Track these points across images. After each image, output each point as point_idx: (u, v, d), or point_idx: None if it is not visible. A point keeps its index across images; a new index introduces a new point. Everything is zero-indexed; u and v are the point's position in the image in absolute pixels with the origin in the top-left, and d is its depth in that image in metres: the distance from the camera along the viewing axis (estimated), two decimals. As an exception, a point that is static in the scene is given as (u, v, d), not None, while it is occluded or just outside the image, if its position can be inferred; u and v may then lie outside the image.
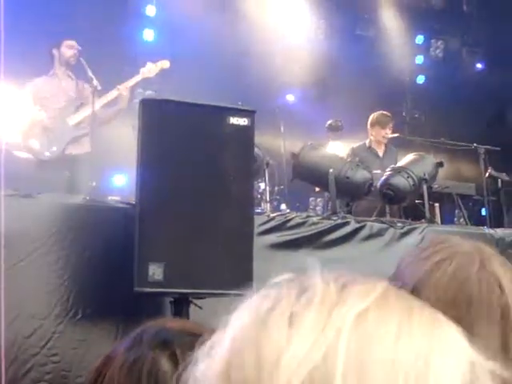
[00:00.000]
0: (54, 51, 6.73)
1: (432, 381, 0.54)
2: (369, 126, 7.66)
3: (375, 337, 0.55)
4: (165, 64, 6.86)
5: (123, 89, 6.54)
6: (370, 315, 0.56)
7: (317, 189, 7.26)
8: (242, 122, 4.31)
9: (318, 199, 9.29)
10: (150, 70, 6.71)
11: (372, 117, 7.66)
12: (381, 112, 7.64)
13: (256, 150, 5.05)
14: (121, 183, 8.39)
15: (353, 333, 0.55)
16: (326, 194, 6.94)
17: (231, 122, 4.30)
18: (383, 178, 6.25)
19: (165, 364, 1.20)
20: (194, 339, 1.20)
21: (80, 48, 6.69)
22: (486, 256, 1.29)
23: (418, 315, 0.58)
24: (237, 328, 0.60)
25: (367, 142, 7.66)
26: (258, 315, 0.59)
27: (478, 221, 7.99)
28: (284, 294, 0.59)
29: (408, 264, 1.33)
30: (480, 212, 8.83)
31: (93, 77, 6.29)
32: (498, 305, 1.20)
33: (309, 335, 0.55)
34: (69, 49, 6.67)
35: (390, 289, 0.59)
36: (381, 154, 7.66)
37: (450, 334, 0.58)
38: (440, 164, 6.48)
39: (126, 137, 7.18)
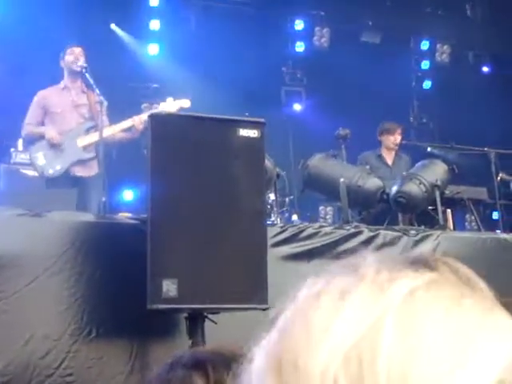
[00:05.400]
0: (61, 63, 6.68)
1: (477, 359, 0.55)
2: (378, 135, 7.66)
3: (424, 313, 0.56)
4: (185, 103, 6.47)
5: (138, 122, 6.40)
6: (420, 293, 0.57)
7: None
8: (252, 133, 4.27)
9: (328, 208, 9.24)
10: (169, 106, 6.37)
11: (380, 125, 7.67)
12: (389, 121, 7.69)
13: (266, 161, 5.01)
14: (130, 198, 8.37)
15: (402, 308, 0.56)
16: (338, 203, 6.89)
17: (241, 134, 4.26)
18: (395, 185, 6.19)
19: (198, 381, 1.31)
20: (226, 359, 1.30)
21: (84, 52, 6.57)
22: None
23: (469, 299, 0.59)
24: (288, 308, 0.62)
25: (377, 150, 7.64)
26: (310, 292, 0.60)
27: (489, 224, 7.94)
28: (338, 273, 0.61)
29: None
30: (491, 216, 8.77)
31: (99, 93, 6.24)
32: None
33: (359, 307, 0.57)
34: (70, 55, 6.59)
35: (445, 278, 0.61)
36: (390, 162, 7.62)
37: (504, 321, 0.59)
38: (452, 170, 6.42)
39: (134, 151, 7.17)
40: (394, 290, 0.58)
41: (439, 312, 0.57)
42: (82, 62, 6.51)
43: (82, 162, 6.53)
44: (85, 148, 6.51)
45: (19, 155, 7.59)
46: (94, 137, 6.42)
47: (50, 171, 6.42)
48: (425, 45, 10.76)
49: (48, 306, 4.33)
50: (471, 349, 0.56)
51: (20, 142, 7.55)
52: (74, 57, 6.53)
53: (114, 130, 6.34)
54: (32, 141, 6.64)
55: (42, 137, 6.52)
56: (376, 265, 0.61)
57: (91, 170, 6.52)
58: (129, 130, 6.43)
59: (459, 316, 0.57)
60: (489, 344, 0.56)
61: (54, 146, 6.44)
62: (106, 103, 6.30)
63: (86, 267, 4.45)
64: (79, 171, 6.52)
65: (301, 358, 0.56)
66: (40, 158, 6.45)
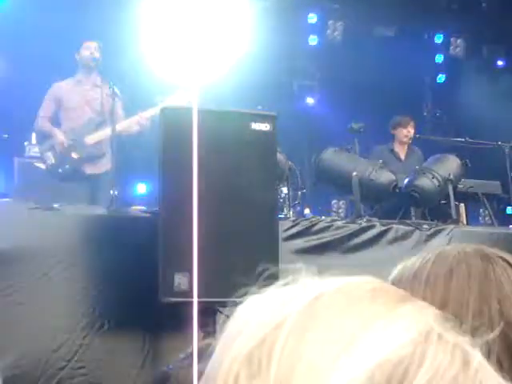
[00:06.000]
0: (77, 56, 6.71)
1: (370, 342, 0.57)
2: (391, 130, 7.65)
3: (320, 314, 0.59)
4: (194, 96, 6.45)
5: (144, 118, 6.40)
6: (325, 296, 0.60)
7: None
8: (264, 127, 4.27)
9: (341, 202, 9.22)
10: (178, 99, 6.23)
11: (393, 119, 7.66)
12: (401, 116, 7.68)
13: (278, 154, 5.01)
14: (143, 191, 8.38)
15: (303, 311, 0.59)
16: (350, 196, 6.87)
17: (253, 127, 4.26)
18: (408, 179, 6.17)
19: None
20: None
21: (100, 47, 6.59)
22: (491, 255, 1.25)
23: (377, 296, 0.60)
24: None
25: (390, 144, 7.62)
26: (248, 300, 0.65)
27: (503, 219, 7.89)
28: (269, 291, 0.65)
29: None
30: (505, 210, 8.72)
31: (112, 86, 6.26)
32: None
33: (270, 311, 0.61)
34: (86, 50, 6.61)
35: (361, 283, 0.62)
36: (403, 156, 7.60)
37: (408, 310, 0.59)
38: (465, 164, 6.39)
39: (147, 145, 7.18)
40: (303, 295, 0.61)
41: (334, 311, 0.59)
42: (97, 56, 6.53)
43: (91, 160, 6.54)
44: (94, 145, 6.52)
45: (33, 149, 7.63)
46: (103, 133, 6.44)
47: (60, 170, 6.47)
48: (439, 38, 10.70)
49: (61, 299, 4.36)
50: (354, 341, 0.57)
51: (34, 136, 7.58)
52: (90, 51, 6.56)
53: (122, 126, 6.36)
54: (43, 136, 6.69)
55: (52, 135, 6.56)
56: (308, 278, 0.64)
57: (102, 167, 6.53)
58: (138, 123, 6.45)
59: (353, 313, 0.59)
60: (376, 336, 0.57)
61: (62, 146, 6.48)
62: (119, 97, 6.31)
63: (99, 260, 4.46)
64: (89, 169, 6.54)
65: (217, 358, 0.61)
66: (50, 158, 6.50)
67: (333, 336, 0.57)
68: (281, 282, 0.65)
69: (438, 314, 0.60)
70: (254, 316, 0.62)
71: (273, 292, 0.64)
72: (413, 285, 1.18)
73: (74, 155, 6.49)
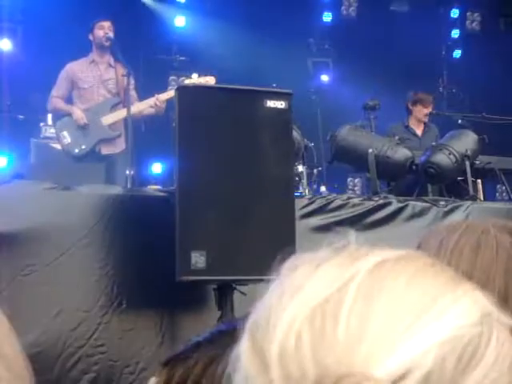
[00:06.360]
0: (90, 36, 6.69)
1: (434, 316, 0.58)
2: (410, 105, 7.53)
3: (386, 280, 0.60)
4: (211, 80, 6.43)
5: (160, 100, 6.40)
6: (388, 264, 0.61)
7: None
8: (279, 104, 4.25)
9: (357, 179, 9.21)
10: (193, 80, 6.36)
11: (414, 95, 7.52)
12: (422, 92, 7.55)
13: (294, 132, 4.99)
14: (159, 171, 8.40)
15: (367, 275, 0.60)
16: (366, 174, 6.85)
17: (268, 105, 4.24)
18: (424, 155, 6.13)
19: None
20: None
21: (112, 28, 6.57)
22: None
23: (438, 271, 0.62)
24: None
25: (405, 120, 7.55)
26: (290, 264, 0.66)
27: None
28: (320, 253, 0.66)
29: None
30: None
31: (126, 66, 6.26)
32: None
33: (330, 273, 0.61)
34: (99, 29, 6.59)
35: (419, 255, 0.64)
36: (419, 133, 7.54)
37: (467, 289, 0.61)
38: (482, 140, 6.34)
39: (163, 124, 7.18)
40: (365, 261, 0.62)
41: (401, 280, 0.60)
42: (111, 35, 6.51)
43: (107, 141, 6.55)
44: (110, 125, 6.52)
45: (49, 130, 7.65)
46: (119, 114, 6.43)
47: (76, 150, 6.47)
48: (455, 13, 10.58)
49: (78, 279, 4.39)
50: (425, 313, 0.58)
51: (49, 117, 7.60)
52: (103, 31, 6.54)
53: (138, 108, 6.36)
54: (58, 116, 6.68)
55: (68, 114, 6.55)
56: (356, 246, 0.66)
57: (118, 147, 6.54)
58: (154, 105, 6.45)
59: (419, 284, 0.60)
60: (444, 313, 0.59)
61: (80, 126, 6.47)
62: (133, 77, 6.31)
63: (116, 240, 4.48)
64: (105, 149, 6.54)
65: (273, 314, 0.61)
66: (66, 137, 6.49)
67: (401, 307, 0.58)
68: (333, 245, 0.65)
69: (485, 295, 0.62)
70: (314, 273, 0.62)
71: (327, 252, 0.64)
72: (438, 252, 1.18)
73: (91, 134, 6.49)
